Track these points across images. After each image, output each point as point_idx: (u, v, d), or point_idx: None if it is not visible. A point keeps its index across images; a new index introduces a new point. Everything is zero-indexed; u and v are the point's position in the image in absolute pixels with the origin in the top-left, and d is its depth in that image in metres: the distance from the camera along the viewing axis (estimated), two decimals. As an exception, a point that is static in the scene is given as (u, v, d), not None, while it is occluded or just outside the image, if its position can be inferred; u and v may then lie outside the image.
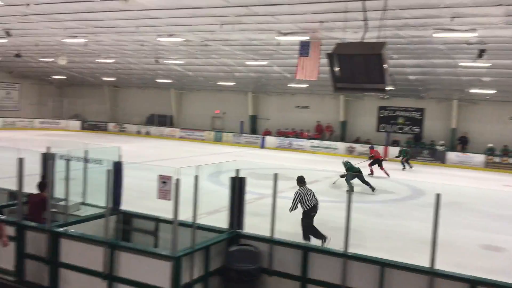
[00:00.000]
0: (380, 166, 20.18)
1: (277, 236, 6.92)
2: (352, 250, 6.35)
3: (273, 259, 6.74)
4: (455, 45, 17.48)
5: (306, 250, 6.59)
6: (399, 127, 30.00)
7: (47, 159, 7.99)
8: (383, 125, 30.48)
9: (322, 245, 8.89)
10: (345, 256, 6.26)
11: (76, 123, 38.86)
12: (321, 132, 32.39)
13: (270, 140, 32.44)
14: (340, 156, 27.01)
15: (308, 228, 9.39)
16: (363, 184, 15.74)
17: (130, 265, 6.24)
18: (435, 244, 5.82)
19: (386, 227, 11.77)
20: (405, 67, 22.36)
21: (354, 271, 6.24)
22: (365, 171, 17.63)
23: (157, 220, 7.79)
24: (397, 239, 10.76)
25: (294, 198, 9.34)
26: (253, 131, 34.59)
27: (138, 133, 37.22)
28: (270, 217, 6.88)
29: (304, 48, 16.87)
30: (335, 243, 6.97)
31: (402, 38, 16.79)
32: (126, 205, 8.06)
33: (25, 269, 7.02)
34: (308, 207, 9.35)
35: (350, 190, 15.76)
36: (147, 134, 36.89)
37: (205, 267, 6.49)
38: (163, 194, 6.08)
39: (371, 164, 20.24)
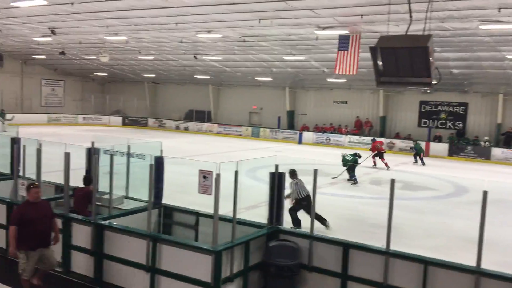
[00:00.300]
0: (381, 158, 20.53)
1: (317, 232, 6.88)
2: (393, 247, 6.22)
3: (313, 255, 6.70)
4: (502, 37, 16.85)
5: (346, 247, 6.50)
6: (441, 122, 29.25)
7: (92, 154, 8.23)
8: (424, 120, 29.81)
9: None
10: (387, 254, 6.15)
11: (118, 119, 39.78)
12: (360, 128, 31.89)
13: (308, 135, 32.23)
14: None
15: (291, 212, 9.63)
16: (402, 180, 15.50)
17: (171, 258, 6.35)
18: (481, 243, 5.63)
19: (429, 225, 11.49)
20: (448, 61, 21.71)
21: (396, 269, 6.12)
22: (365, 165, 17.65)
23: (198, 214, 7.88)
24: (440, 237, 10.49)
25: (293, 188, 9.67)
26: (291, 126, 34.46)
27: (177, 128, 37.78)
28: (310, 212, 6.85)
29: (343, 42, 16.65)
30: (375, 240, 6.84)
31: (446, 31, 16.29)
32: (166, 199, 8.20)
33: (71, 260, 7.26)
34: (300, 197, 9.63)
35: (355, 182, 15.72)
36: (186, 129, 37.39)
37: (245, 262, 6.52)
38: (204, 188, 6.12)
39: (374, 156, 20.62)
